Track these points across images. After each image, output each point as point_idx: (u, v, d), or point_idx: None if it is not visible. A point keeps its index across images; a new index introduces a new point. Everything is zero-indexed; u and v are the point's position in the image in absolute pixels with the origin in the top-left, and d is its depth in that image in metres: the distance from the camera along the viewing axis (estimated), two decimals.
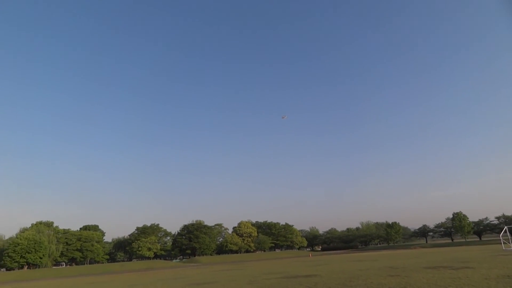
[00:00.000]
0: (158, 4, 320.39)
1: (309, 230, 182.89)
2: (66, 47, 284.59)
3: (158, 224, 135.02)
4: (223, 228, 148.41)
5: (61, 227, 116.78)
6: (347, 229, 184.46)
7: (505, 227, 52.93)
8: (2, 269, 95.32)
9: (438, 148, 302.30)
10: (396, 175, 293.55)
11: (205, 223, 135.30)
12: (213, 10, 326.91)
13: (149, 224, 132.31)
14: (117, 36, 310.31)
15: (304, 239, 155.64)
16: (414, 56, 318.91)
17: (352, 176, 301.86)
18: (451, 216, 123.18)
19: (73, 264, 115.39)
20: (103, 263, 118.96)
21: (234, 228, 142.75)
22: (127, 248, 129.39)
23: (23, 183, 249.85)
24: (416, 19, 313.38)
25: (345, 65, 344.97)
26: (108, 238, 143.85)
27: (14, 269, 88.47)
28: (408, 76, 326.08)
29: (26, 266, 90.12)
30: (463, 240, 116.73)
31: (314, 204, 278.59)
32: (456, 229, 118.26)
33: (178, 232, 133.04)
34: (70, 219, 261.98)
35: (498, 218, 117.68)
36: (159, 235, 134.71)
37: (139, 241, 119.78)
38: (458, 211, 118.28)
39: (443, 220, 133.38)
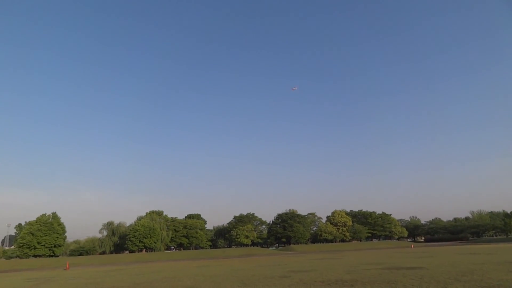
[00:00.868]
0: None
1: (409, 219, 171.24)
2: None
3: (253, 213, 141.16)
4: (316, 217, 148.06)
5: (169, 215, 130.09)
6: (454, 219, 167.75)
7: None
8: (125, 251, 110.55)
9: None
10: None
11: (298, 212, 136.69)
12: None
13: (245, 213, 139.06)
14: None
15: (404, 229, 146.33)
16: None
17: (461, 156, 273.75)
18: None
19: (181, 249, 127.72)
20: (206, 248, 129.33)
21: (327, 217, 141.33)
22: (226, 235, 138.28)
23: (139, 178, 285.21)
24: None
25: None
26: (209, 226, 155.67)
27: (135, 252, 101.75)
28: None
29: (144, 250, 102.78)
30: None
31: (413, 191, 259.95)
32: None
33: (272, 221, 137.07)
34: (176, 209, 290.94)
35: None
36: (255, 223, 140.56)
37: (237, 229, 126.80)
38: None
39: None
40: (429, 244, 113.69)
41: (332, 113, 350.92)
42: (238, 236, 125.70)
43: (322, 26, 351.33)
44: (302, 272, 23.21)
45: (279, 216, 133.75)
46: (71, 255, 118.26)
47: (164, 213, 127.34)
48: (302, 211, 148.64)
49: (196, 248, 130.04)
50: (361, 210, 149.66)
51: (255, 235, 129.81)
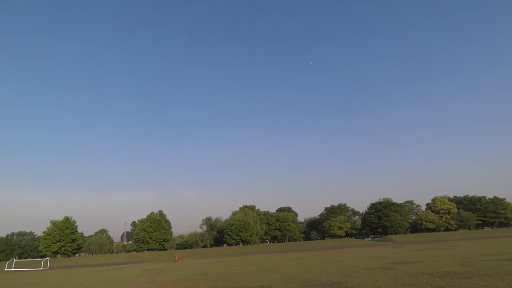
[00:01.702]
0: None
1: None
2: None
3: (345, 204, 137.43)
4: (415, 205, 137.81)
5: (261, 209, 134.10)
6: None
7: None
8: (224, 245, 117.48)
9: None
10: None
11: (393, 201, 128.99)
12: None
13: (336, 204, 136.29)
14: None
15: None
16: None
17: None
18: None
19: (275, 241, 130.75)
20: (299, 241, 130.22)
21: (427, 204, 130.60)
22: (319, 227, 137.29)
23: (231, 175, 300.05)
24: None
25: None
26: (300, 218, 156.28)
27: (232, 245, 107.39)
28: None
29: (241, 243, 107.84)
30: None
31: None
32: None
33: (366, 211, 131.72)
34: (267, 203, 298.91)
35: None
36: (347, 214, 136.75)
37: (329, 221, 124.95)
38: None
39: None
40: None
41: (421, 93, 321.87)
42: (331, 228, 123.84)
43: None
44: (406, 264, 21.83)
45: (373, 206, 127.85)
46: (177, 248, 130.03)
47: (256, 207, 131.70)
48: (398, 199, 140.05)
49: (289, 241, 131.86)
50: (467, 196, 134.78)
51: (349, 226, 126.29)
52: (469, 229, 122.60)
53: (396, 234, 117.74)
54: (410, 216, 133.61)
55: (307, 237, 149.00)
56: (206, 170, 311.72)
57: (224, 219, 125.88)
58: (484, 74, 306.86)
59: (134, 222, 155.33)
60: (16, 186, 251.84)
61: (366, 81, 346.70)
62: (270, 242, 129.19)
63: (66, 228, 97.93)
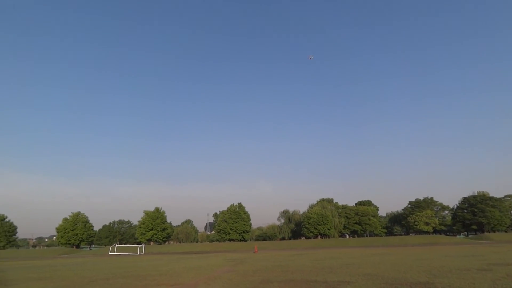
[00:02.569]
0: None
1: None
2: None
3: (432, 198, 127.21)
4: None
5: (339, 203, 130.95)
6: None
7: None
8: (302, 237, 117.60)
9: None
10: None
11: (490, 195, 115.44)
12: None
13: (421, 198, 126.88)
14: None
15: None
16: None
17: None
18: None
19: (355, 235, 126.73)
20: (381, 236, 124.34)
21: None
22: (402, 222, 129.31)
23: (307, 167, 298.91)
24: None
25: None
26: (381, 212, 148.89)
27: (310, 238, 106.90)
28: None
29: (319, 236, 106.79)
30: None
31: None
32: None
33: (457, 206, 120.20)
34: (346, 196, 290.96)
35: None
36: (435, 209, 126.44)
37: (414, 215, 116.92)
38: None
39: None
40: None
41: None
42: (416, 223, 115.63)
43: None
44: (509, 266, 19.48)
45: (465, 200, 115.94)
46: (256, 239, 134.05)
47: (334, 201, 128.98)
48: (495, 193, 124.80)
49: (370, 235, 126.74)
50: None
51: (437, 222, 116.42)
52: None
53: (494, 231, 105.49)
54: (511, 212, 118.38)
55: (390, 233, 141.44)
56: (282, 164, 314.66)
57: (301, 212, 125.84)
58: None
59: (216, 213, 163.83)
60: (117, 181, 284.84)
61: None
62: (349, 237, 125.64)
63: (157, 218, 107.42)
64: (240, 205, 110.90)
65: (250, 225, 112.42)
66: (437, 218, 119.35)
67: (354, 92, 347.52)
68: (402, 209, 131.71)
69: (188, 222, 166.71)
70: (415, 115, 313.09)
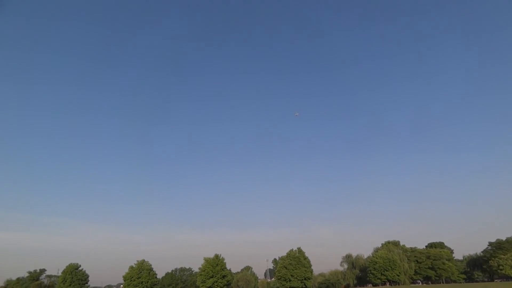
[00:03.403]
0: None
1: None
2: None
3: None
4: None
5: (407, 245, 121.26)
6: None
7: None
8: (368, 284, 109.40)
9: None
10: None
11: None
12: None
13: (504, 238, 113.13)
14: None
15: None
16: None
17: None
18: None
19: (429, 282, 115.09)
20: (460, 282, 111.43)
21: None
22: (484, 266, 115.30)
23: (366, 210, 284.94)
24: None
25: None
26: (457, 255, 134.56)
27: (378, 285, 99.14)
28: None
29: (388, 283, 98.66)
30: None
31: None
32: None
33: None
34: (413, 238, 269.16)
35: None
36: None
37: (497, 259, 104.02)
38: None
39: None
40: None
41: None
42: (501, 267, 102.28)
43: None
44: None
45: None
46: (319, 287, 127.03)
47: (401, 243, 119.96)
48: None
49: (447, 282, 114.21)
50: None
51: None
52: None
53: None
54: None
55: (470, 279, 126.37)
56: (341, 205, 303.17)
57: (365, 257, 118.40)
58: None
59: (275, 259, 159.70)
60: (176, 228, 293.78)
61: None
62: (422, 283, 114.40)
63: (217, 264, 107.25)
64: (299, 250, 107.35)
65: (312, 271, 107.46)
66: None
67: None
68: (482, 252, 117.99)
69: (248, 268, 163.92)
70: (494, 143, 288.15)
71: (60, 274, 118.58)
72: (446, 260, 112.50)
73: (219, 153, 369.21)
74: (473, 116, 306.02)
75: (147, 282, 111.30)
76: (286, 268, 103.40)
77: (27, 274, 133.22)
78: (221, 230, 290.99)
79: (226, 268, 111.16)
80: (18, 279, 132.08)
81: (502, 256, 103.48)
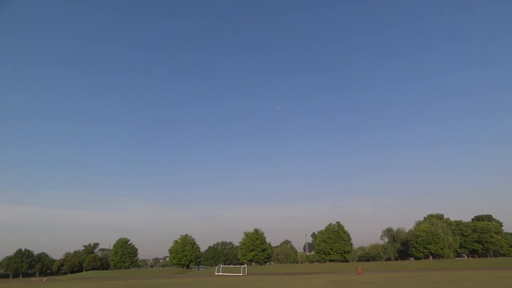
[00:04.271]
0: None
1: None
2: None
3: None
4: None
5: (451, 219, 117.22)
6: None
7: None
8: (410, 258, 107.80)
9: None
10: None
11: None
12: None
13: None
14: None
15: None
16: None
17: None
18: None
19: (475, 256, 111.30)
20: (509, 256, 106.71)
21: None
22: None
23: (411, 183, 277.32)
24: None
25: None
26: (506, 228, 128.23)
27: (420, 258, 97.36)
28: None
29: (431, 256, 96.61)
30: None
31: None
32: None
33: None
34: (459, 211, 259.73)
35: None
36: None
37: None
38: None
39: None
40: None
41: None
42: None
43: None
44: None
45: None
46: (359, 260, 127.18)
47: (445, 216, 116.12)
48: None
49: (494, 256, 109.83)
50: None
51: None
52: None
53: None
54: None
55: None
56: (381, 178, 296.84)
57: (407, 230, 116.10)
58: None
59: (314, 233, 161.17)
60: (217, 205, 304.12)
61: None
62: (468, 257, 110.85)
63: (257, 238, 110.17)
64: (338, 224, 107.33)
65: (351, 244, 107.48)
66: None
67: None
68: None
69: (287, 242, 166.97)
70: None
71: (111, 247, 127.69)
72: (494, 233, 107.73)
73: (256, 130, 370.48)
74: None
75: (191, 255, 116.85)
76: (325, 241, 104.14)
77: (82, 248, 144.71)
78: (258, 206, 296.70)
79: (265, 242, 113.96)
80: (75, 252, 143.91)
81: None
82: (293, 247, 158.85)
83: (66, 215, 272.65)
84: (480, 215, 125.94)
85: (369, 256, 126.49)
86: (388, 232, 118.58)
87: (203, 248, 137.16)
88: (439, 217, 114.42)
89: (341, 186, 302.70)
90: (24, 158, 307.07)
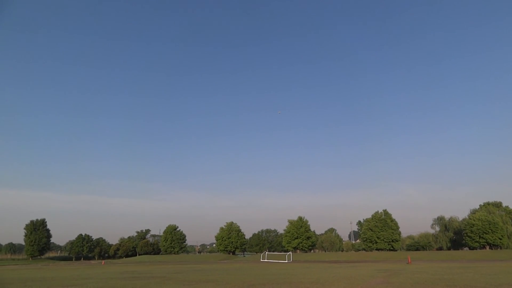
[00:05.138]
0: None
1: None
2: None
3: None
4: None
5: (510, 207, 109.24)
6: None
7: None
8: (464, 248, 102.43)
9: None
10: None
11: None
12: None
13: None
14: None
15: None
16: None
17: None
18: None
19: None
20: None
21: None
22: None
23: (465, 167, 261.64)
24: None
25: None
26: None
27: (475, 248, 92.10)
28: None
29: (488, 246, 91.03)
30: None
31: None
32: None
33: None
34: None
35: None
36: None
37: None
38: None
39: None
40: None
41: None
42: None
43: None
44: None
45: None
46: (407, 249, 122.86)
47: (504, 204, 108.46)
48: None
49: None
50: None
51: None
52: None
53: None
54: None
55: None
56: (431, 164, 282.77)
57: (460, 219, 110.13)
58: None
59: (359, 221, 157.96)
60: (262, 193, 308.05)
61: None
62: None
63: (301, 226, 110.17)
64: (385, 212, 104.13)
65: (399, 233, 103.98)
66: None
67: None
68: None
69: (332, 230, 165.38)
70: None
71: (161, 234, 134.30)
72: None
73: (300, 119, 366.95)
74: None
75: (236, 242, 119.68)
76: (372, 230, 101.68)
77: (135, 234, 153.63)
78: (302, 193, 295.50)
79: (310, 230, 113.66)
80: (129, 237, 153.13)
81: None
82: (338, 235, 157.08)
83: (121, 203, 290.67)
84: None
85: (418, 245, 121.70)
86: (440, 220, 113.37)
87: (248, 235, 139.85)
88: (497, 205, 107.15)
89: (389, 173, 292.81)
90: (84, 153, 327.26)
